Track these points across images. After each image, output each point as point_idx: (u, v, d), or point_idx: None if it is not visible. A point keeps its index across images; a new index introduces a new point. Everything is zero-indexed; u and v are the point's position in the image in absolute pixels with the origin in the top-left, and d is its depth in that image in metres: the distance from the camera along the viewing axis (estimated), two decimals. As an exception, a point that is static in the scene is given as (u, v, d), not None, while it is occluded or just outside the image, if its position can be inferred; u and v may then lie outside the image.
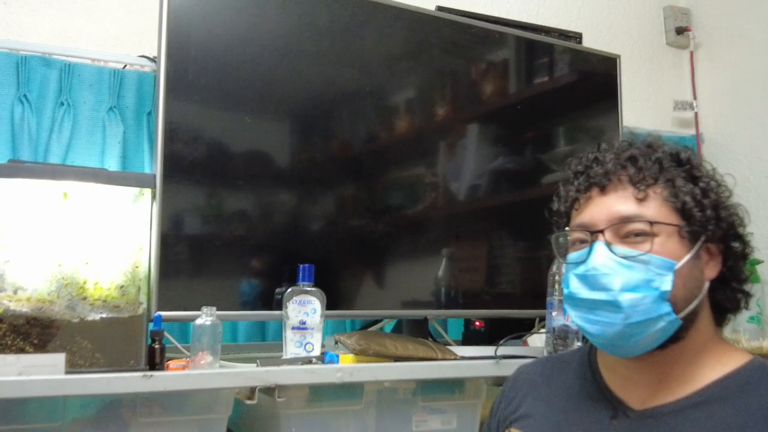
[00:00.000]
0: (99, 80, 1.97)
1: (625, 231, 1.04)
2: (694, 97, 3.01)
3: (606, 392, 1.12)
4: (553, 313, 1.69)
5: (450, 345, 1.88)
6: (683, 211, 1.05)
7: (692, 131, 2.98)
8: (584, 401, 1.14)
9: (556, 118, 2.30)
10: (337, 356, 1.55)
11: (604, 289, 1.03)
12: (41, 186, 1.37)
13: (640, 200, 1.05)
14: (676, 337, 1.04)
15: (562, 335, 1.67)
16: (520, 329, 2.02)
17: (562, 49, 2.32)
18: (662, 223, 1.03)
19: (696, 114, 2.99)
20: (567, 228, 1.14)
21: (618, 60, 2.38)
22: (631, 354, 1.05)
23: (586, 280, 1.05)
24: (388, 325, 2.07)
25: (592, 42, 2.60)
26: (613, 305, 1.02)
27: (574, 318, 1.09)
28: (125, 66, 2.02)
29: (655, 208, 1.05)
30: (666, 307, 1.01)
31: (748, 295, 1.12)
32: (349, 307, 1.86)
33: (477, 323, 2.14)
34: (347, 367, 1.51)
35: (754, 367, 1.06)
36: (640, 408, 1.07)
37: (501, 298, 2.10)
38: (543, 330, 1.78)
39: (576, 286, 1.06)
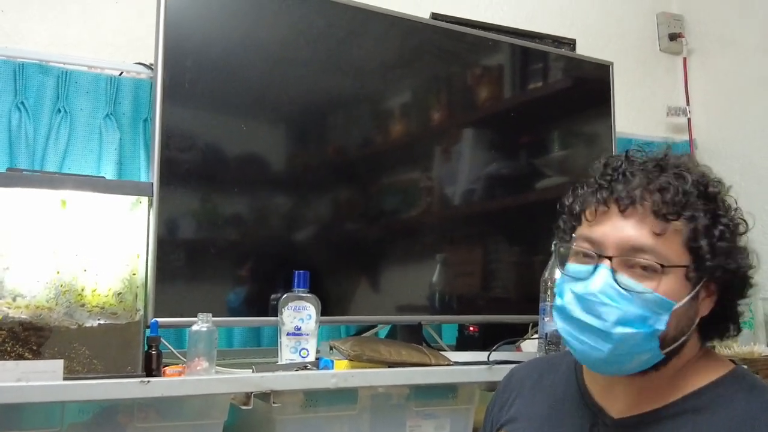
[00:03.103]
0: (96, 87, 1.98)
1: (633, 261, 1.01)
2: (687, 103, 3.02)
3: (587, 399, 1.13)
4: (546, 319, 1.71)
5: (444, 350, 1.90)
6: (696, 254, 1.02)
7: (685, 137, 2.99)
8: (567, 407, 1.14)
9: (550, 124, 2.32)
10: (332, 362, 1.56)
11: (598, 317, 1.01)
12: (40, 195, 1.38)
13: (658, 234, 1.01)
14: (657, 366, 1.04)
15: (554, 340, 1.69)
16: (514, 334, 2.03)
17: (555, 56, 2.34)
18: (673, 266, 1.00)
19: (689, 120, 3.00)
20: (573, 235, 1.11)
21: (611, 67, 2.41)
22: (611, 374, 1.06)
23: (583, 301, 1.02)
24: (383, 331, 2.08)
25: (585, 48, 2.62)
26: (604, 335, 1.00)
27: (560, 329, 1.07)
28: (122, 73, 2.02)
29: (669, 245, 1.01)
30: (654, 343, 1.01)
31: (738, 330, 1.12)
32: (343, 313, 1.87)
33: (471, 328, 2.15)
34: (342, 372, 1.53)
35: (731, 379, 1.06)
36: (618, 416, 1.08)
37: (495, 304, 2.11)
38: (536, 335, 1.80)
39: (570, 302, 1.05)
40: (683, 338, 1.04)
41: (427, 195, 2.05)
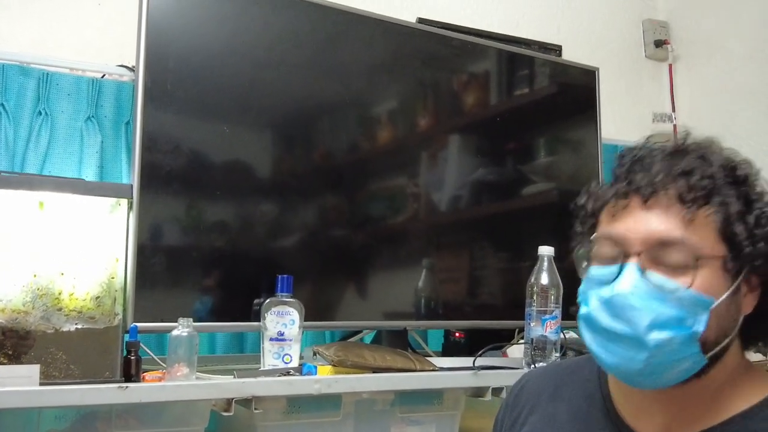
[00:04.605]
0: (77, 90, 1.96)
1: (663, 256, 0.90)
2: (673, 110, 3.04)
3: (617, 420, 1.01)
4: (532, 324, 1.70)
5: (430, 356, 1.88)
6: (732, 242, 0.91)
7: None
8: (592, 427, 1.03)
9: (536, 129, 2.31)
10: (315, 367, 1.54)
11: (629, 322, 0.90)
12: (17, 196, 1.36)
13: (687, 224, 0.90)
14: (700, 373, 0.93)
15: (540, 346, 1.69)
16: (500, 340, 2.03)
17: (541, 61, 2.34)
18: (708, 257, 0.90)
19: (675, 126, 3.02)
20: (594, 235, 0.98)
21: (597, 72, 2.40)
22: (649, 388, 0.95)
23: (611, 306, 0.91)
24: (368, 336, 2.06)
25: (571, 54, 2.62)
26: (638, 342, 0.89)
27: (588, 342, 0.95)
28: (104, 75, 2.01)
29: (701, 235, 0.90)
30: (694, 348, 0.90)
31: None
32: (328, 319, 1.85)
33: (457, 334, 2.14)
34: (325, 378, 1.51)
35: None
36: None
37: (481, 309, 2.10)
38: (522, 341, 1.79)
39: (597, 310, 0.93)
40: (726, 341, 0.93)
41: (413, 201, 2.04)
